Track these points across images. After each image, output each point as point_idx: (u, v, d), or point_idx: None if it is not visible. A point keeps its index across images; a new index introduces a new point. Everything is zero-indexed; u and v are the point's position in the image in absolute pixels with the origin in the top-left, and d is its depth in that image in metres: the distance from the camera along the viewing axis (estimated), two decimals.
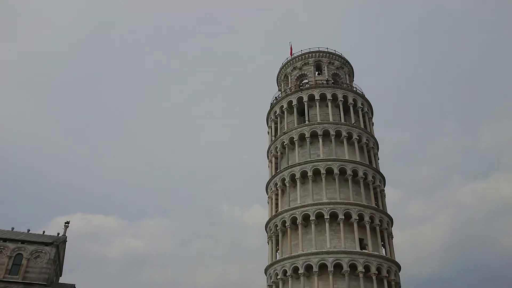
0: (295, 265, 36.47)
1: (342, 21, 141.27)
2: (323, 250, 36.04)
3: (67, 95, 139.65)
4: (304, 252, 36.59)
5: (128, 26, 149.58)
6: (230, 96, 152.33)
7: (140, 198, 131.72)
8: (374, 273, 35.27)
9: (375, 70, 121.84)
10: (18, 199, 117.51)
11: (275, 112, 47.86)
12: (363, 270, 34.98)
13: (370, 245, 36.99)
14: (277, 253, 40.72)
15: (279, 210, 41.33)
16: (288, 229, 38.83)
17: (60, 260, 40.35)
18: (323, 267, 35.39)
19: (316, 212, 37.87)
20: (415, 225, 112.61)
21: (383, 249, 39.30)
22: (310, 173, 40.08)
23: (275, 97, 49.71)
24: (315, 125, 43.11)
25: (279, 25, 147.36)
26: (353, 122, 44.40)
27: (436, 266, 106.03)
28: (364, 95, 47.69)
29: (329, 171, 39.99)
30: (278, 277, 37.65)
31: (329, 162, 40.36)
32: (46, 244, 36.60)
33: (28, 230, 39.31)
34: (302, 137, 43.14)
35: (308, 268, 35.90)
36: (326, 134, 42.49)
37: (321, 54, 50.40)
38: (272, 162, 45.95)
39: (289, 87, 49.48)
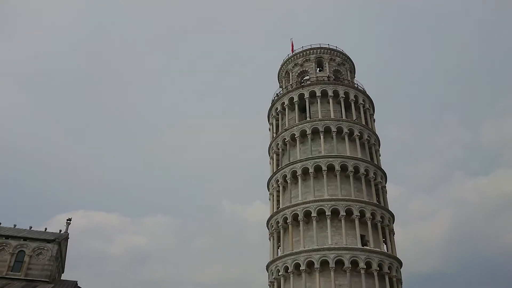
0: (296, 261, 36.50)
1: (342, 21, 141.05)
2: (325, 246, 36.06)
3: (67, 95, 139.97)
4: (305, 249, 36.62)
5: (128, 26, 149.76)
6: (231, 95, 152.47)
7: (141, 196, 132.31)
8: (376, 270, 35.30)
9: (375, 69, 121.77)
10: (19, 196, 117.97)
11: (276, 108, 47.79)
12: (365, 267, 35.00)
13: (372, 242, 37.00)
14: (278, 250, 40.75)
15: (281, 206, 41.34)
16: (290, 226, 38.86)
17: (62, 257, 40.48)
18: (324, 263, 35.42)
19: (318, 208, 37.86)
20: (416, 221, 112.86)
21: (385, 246, 39.28)
22: (311, 170, 40.05)
23: (276, 94, 49.64)
24: (317, 122, 43.04)
25: (279, 25, 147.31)
26: (354, 119, 44.32)
27: (438, 263, 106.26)
28: (365, 92, 47.56)
29: (331, 168, 39.95)
30: (279, 274, 37.71)
31: (331, 159, 40.31)
32: (48, 241, 36.72)
33: (30, 227, 39.46)
34: (303, 134, 43.08)
35: (310, 264, 35.94)
36: (327, 131, 42.42)
37: (322, 50, 50.24)
38: (273, 159, 45.93)
39: (290, 83, 49.38)
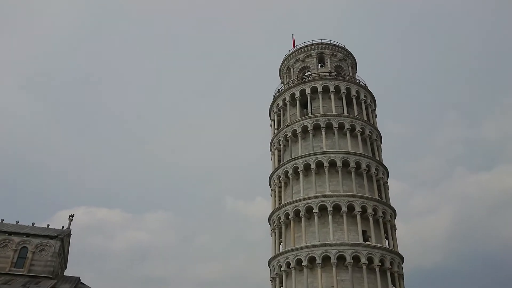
0: (298, 257, 36.55)
1: (342, 21, 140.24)
2: (326, 242, 36.09)
3: (67, 94, 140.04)
4: (307, 244, 36.65)
5: (128, 26, 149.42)
6: (232, 92, 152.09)
7: (143, 193, 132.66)
8: (377, 265, 35.34)
9: (376, 67, 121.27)
10: (22, 194, 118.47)
11: (278, 104, 47.72)
12: (366, 262, 35.05)
13: (373, 237, 37.02)
14: (280, 246, 40.81)
15: (282, 202, 41.33)
16: (291, 222, 38.89)
17: (64, 253, 40.61)
18: (326, 259, 35.47)
19: (319, 204, 37.88)
20: (418, 217, 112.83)
21: (386, 241, 39.32)
22: (313, 166, 40.02)
23: (278, 90, 49.55)
24: (318, 118, 42.96)
25: (279, 24, 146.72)
26: (356, 114, 44.22)
27: (440, 258, 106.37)
28: (367, 87, 47.43)
29: (332, 164, 39.92)
30: (281, 269, 37.78)
31: (332, 155, 40.26)
32: (51, 237, 36.82)
33: (33, 224, 39.51)
34: (305, 130, 43.03)
35: (312, 260, 35.99)
36: (329, 127, 42.34)
37: (323, 46, 50.08)
38: (275, 155, 45.93)
39: (292, 79, 49.28)
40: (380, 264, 35.54)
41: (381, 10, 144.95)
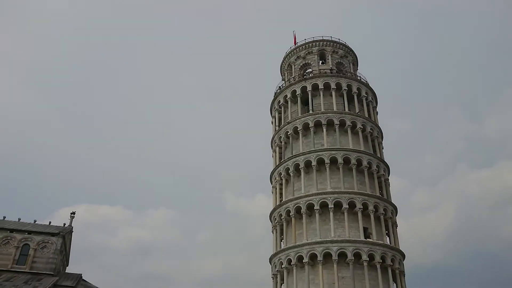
0: (299, 254, 36.60)
1: (344, 17, 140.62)
2: (328, 239, 36.10)
3: (68, 94, 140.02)
4: (308, 241, 36.68)
5: (128, 26, 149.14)
6: (233, 89, 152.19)
7: (144, 190, 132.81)
8: (379, 262, 35.37)
9: (378, 63, 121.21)
10: (23, 191, 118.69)
11: (279, 101, 47.66)
12: (368, 259, 35.07)
13: (375, 234, 37.02)
14: (281, 243, 40.87)
15: (283, 199, 41.34)
16: (293, 219, 38.90)
17: (66, 250, 40.71)
18: (327, 256, 35.49)
19: (320, 201, 37.88)
20: (419, 214, 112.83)
21: (387, 238, 39.30)
22: (314, 163, 40.01)
23: (279, 87, 49.48)
24: (319, 115, 42.90)
25: (280, 22, 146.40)
26: (357, 111, 44.15)
27: (440, 255, 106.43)
28: (368, 84, 47.33)
29: (333, 161, 39.89)
30: (282, 266, 37.84)
31: (333, 152, 40.23)
32: (53, 234, 36.85)
33: (35, 221, 39.56)
34: (306, 127, 42.99)
35: (313, 257, 36.03)
36: (330, 124, 42.30)
37: (325, 43, 49.95)
38: (276, 152, 45.92)
39: (293, 76, 49.19)
40: (381, 261, 35.57)
41: (383, 6, 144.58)
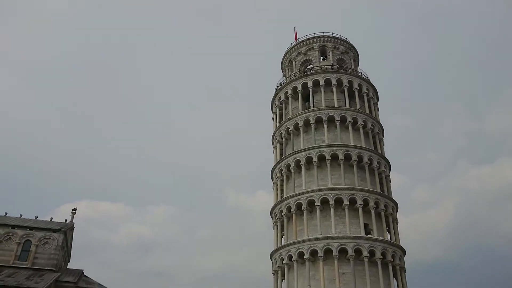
0: (300, 250, 36.68)
1: (345, 13, 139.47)
2: (328, 235, 36.19)
3: (67, 94, 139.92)
4: (309, 238, 36.76)
5: (128, 26, 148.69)
6: (234, 86, 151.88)
7: (145, 186, 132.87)
8: (379, 258, 35.45)
9: (379, 59, 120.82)
10: (25, 187, 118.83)
11: (280, 98, 47.61)
12: (368, 255, 35.16)
13: (375, 230, 37.08)
14: (282, 239, 40.95)
15: (284, 196, 41.37)
16: (293, 215, 38.97)
17: (68, 246, 40.83)
18: (328, 252, 35.59)
19: (321, 197, 37.92)
20: (420, 210, 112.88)
21: (388, 234, 39.38)
22: (315, 159, 40.01)
23: (280, 83, 49.41)
24: (320, 111, 42.87)
25: (281, 18, 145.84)
26: (358, 108, 44.09)
27: (441, 251, 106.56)
28: (369, 80, 47.25)
29: (334, 157, 39.89)
30: (283, 262, 37.95)
31: (334, 148, 40.22)
32: (54, 230, 36.92)
33: (36, 217, 39.65)
34: (307, 123, 42.96)
35: (313, 253, 36.11)
36: (331, 120, 42.26)
37: (326, 39, 49.82)
38: (277, 148, 45.92)
39: (294, 72, 49.10)
40: (381, 257, 35.65)
41: (383, 6, 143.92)
